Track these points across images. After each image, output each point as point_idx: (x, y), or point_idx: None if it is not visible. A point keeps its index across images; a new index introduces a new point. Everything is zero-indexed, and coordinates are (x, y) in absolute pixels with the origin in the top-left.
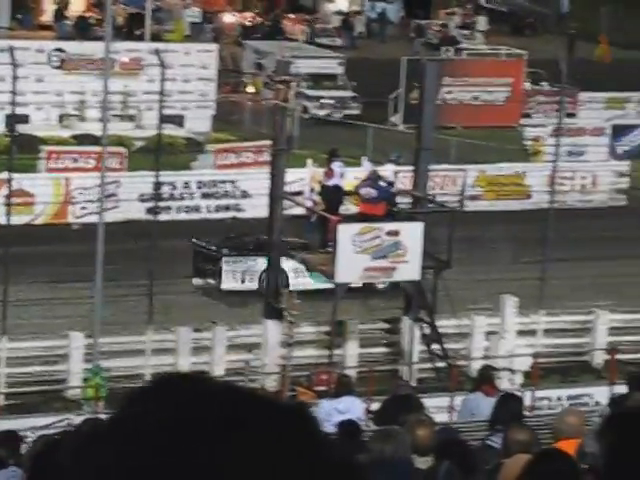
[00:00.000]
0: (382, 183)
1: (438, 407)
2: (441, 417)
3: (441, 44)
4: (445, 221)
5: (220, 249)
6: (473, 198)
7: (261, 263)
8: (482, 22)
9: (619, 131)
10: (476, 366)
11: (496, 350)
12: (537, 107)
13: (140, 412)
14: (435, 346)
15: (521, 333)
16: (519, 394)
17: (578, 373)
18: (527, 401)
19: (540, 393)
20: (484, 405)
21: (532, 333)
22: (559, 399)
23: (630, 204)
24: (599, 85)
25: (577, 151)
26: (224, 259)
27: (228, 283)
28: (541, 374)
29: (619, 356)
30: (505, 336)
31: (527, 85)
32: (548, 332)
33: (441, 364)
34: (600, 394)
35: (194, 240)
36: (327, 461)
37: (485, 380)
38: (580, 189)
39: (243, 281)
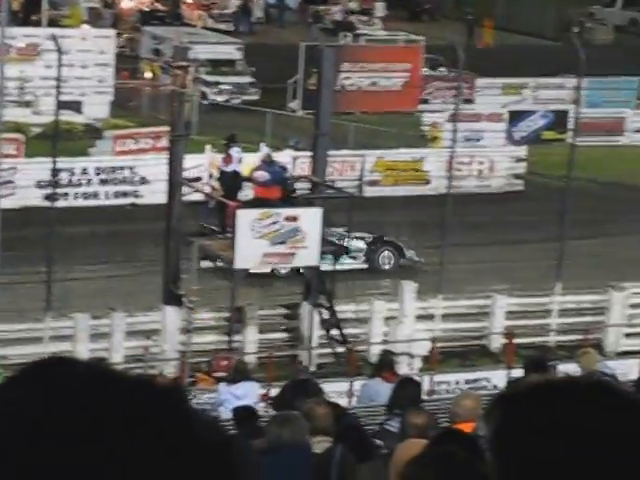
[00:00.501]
0: (276, 167)
1: (337, 392)
2: (341, 402)
3: (339, 30)
4: (344, 206)
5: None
6: (372, 183)
7: None
8: (380, 8)
9: (516, 117)
10: (375, 351)
11: (395, 335)
12: (435, 93)
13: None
14: (334, 331)
15: (420, 318)
16: (418, 379)
17: (476, 357)
18: (426, 385)
19: (439, 377)
20: (383, 390)
21: (431, 318)
22: (457, 383)
23: (527, 189)
24: (496, 71)
25: (474, 137)
26: None
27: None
28: (440, 358)
29: (516, 340)
30: (404, 321)
31: (425, 71)
32: (447, 317)
33: (340, 349)
34: (498, 378)
35: (202, 224)
36: (197, 440)
37: (384, 365)
38: (478, 174)
39: None
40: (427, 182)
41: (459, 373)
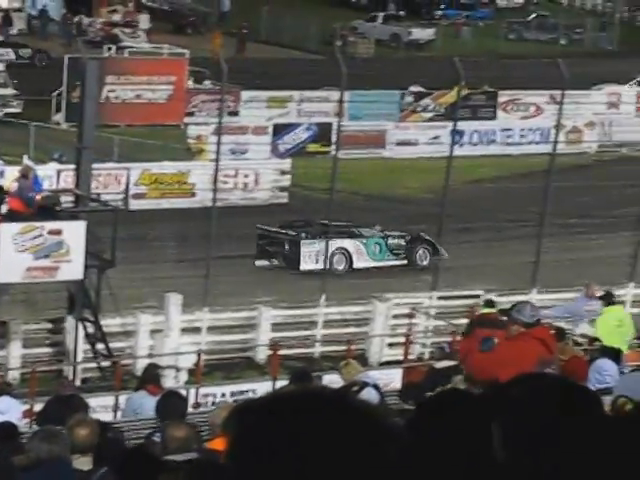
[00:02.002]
0: (29, 180)
1: (103, 406)
2: (106, 416)
3: (103, 42)
4: (109, 220)
5: (299, 233)
6: (137, 196)
7: (331, 245)
8: (144, 20)
9: (280, 130)
10: (141, 365)
11: (161, 348)
12: (200, 106)
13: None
14: (100, 345)
15: (186, 331)
16: (183, 392)
17: (242, 369)
18: (192, 398)
19: (204, 390)
20: (148, 403)
21: (197, 330)
22: (223, 395)
23: (291, 201)
24: (261, 84)
25: (240, 149)
26: (302, 242)
27: (306, 264)
28: (206, 371)
29: (282, 351)
30: (170, 334)
31: (190, 83)
32: (213, 329)
33: (106, 363)
34: (263, 389)
35: (259, 225)
36: None
37: (149, 379)
38: (243, 187)
39: (317, 261)
40: (193, 195)
41: (225, 385)
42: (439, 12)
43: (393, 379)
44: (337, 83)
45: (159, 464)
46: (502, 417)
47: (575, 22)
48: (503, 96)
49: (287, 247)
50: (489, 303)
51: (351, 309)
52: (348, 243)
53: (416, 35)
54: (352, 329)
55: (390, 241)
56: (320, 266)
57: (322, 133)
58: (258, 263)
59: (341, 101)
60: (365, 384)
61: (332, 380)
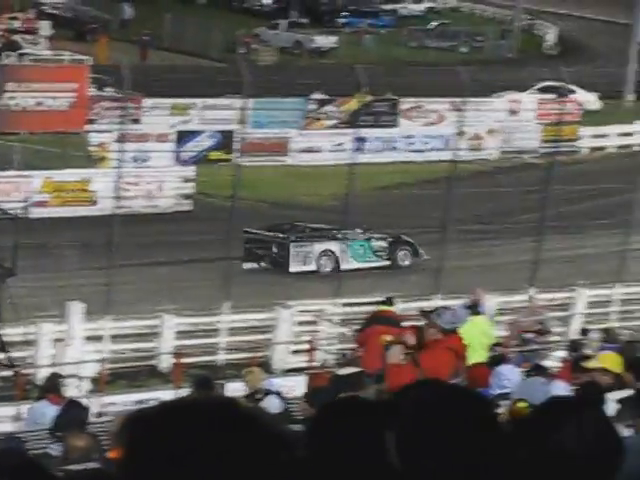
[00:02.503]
0: None
1: (4, 417)
2: (7, 427)
3: (3, 49)
4: (10, 228)
5: (288, 236)
6: (39, 204)
7: (317, 247)
8: (45, 27)
9: (183, 137)
10: (43, 374)
11: (63, 357)
12: (102, 113)
13: None
14: (0, 355)
15: (89, 339)
16: (85, 401)
17: (146, 378)
18: (94, 408)
19: (107, 399)
20: (49, 412)
21: (100, 339)
22: (126, 404)
23: (195, 209)
24: (163, 91)
25: (142, 157)
26: (292, 244)
27: (295, 266)
28: (109, 380)
29: (185, 359)
30: (72, 343)
31: (92, 91)
32: (116, 337)
33: (7, 373)
34: (167, 397)
35: (246, 229)
36: None
37: (51, 388)
38: (146, 194)
39: (304, 263)
40: (95, 202)
41: (128, 394)
42: (342, 20)
43: (297, 386)
44: (240, 90)
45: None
46: (396, 424)
47: (476, 30)
48: (405, 103)
49: (275, 250)
50: (387, 301)
51: (255, 316)
52: (334, 245)
53: (319, 42)
54: (256, 336)
55: (373, 243)
56: (309, 267)
57: (225, 141)
58: (246, 266)
59: (244, 109)
60: (268, 392)
61: (236, 388)
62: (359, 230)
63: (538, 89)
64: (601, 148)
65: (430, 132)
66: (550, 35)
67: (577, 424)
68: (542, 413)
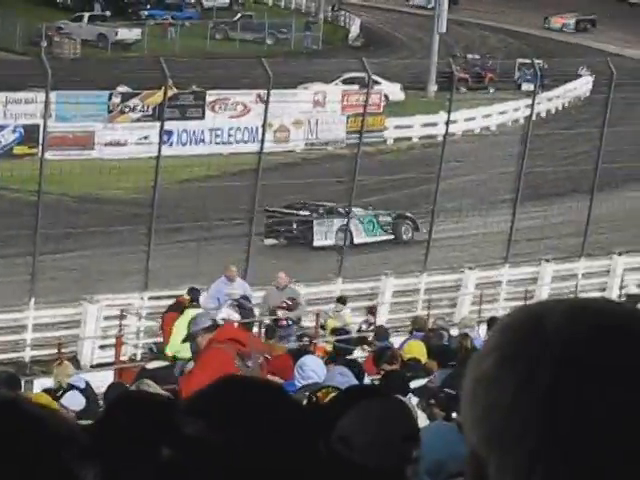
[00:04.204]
0: None
1: None
2: None
3: None
4: None
5: (312, 213)
6: None
7: (336, 224)
8: None
9: None
10: None
11: None
12: None
13: None
14: None
15: None
16: None
17: None
18: None
19: None
20: None
21: None
22: None
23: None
24: None
25: None
26: (315, 221)
27: (318, 241)
28: None
29: None
30: None
31: None
32: None
33: None
34: None
35: (267, 207)
36: None
37: None
38: None
39: (325, 238)
40: None
41: None
42: (145, 12)
43: (105, 381)
44: (43, 84)
45: None
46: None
47: (281, 22)
48: (211, 96)
49: (296, 226)
50: (190, 291)
51: (61, 312)
52: (350, 222)
53: (122, 35)
54: (63, 332)
55: (380, 219)
56: (329, 242)
57: (29, 135)
58: (267, 242)
59: (47, 102)
60: (71, 387)
61: (44, 384)
62: (370, 207)
63: (343, 80)
64: (406, 138)
65: (236, 124)
66: (354, 27)
67: (359, 413)
68: (332, 402)
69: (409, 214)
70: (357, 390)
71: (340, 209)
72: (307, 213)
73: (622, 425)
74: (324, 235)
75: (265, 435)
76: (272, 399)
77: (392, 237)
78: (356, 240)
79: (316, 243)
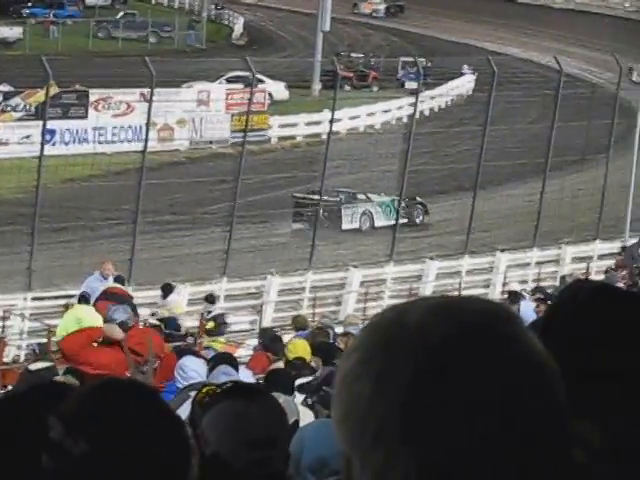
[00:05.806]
0: None
1: None
2: None
3: None
4: None
5: (340, 199)
6: None
7: (361, 208)
8: None
9: None
10: None
11: None
12: None
13: None
14: None
15: None
16: None
17: None
18: None
19: None
20: None
21: None
22: None
23: None
24: None
25: None
26: (343, 207)
27: (346, 224)
28: None
29: None
30: None
31: None
32: None
33: None
34: None
35: (294, 194)
36: None
37: None
38: None
39: (351, 222)
40: None
41: None
42: (26, 11)
43: None
44: None
45: None
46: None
47: (164, 20)
48: (94, 95)
49: (323, 211)
50: (117, 278)
51: None
52: (372, 207)
53: (3, 34)
54: None
55: (395, 204)
56: (354, 226)
57: None
58: (295, 226)
59: None
60: None
61: None
62: (383, 194)
63: (226, 79)
64: (291, 137)
65: (120, 123)
66: (238, 25)
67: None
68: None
69: (420, 199)
70: (229, 389)
71: (360, 195)
72: (335, 199)
73: (477, 425)
74: (350, 219)
75: (122, 440)
76: (140, 404)
77: (406, 220)
78: (377, 224)
79: (344, 226)
